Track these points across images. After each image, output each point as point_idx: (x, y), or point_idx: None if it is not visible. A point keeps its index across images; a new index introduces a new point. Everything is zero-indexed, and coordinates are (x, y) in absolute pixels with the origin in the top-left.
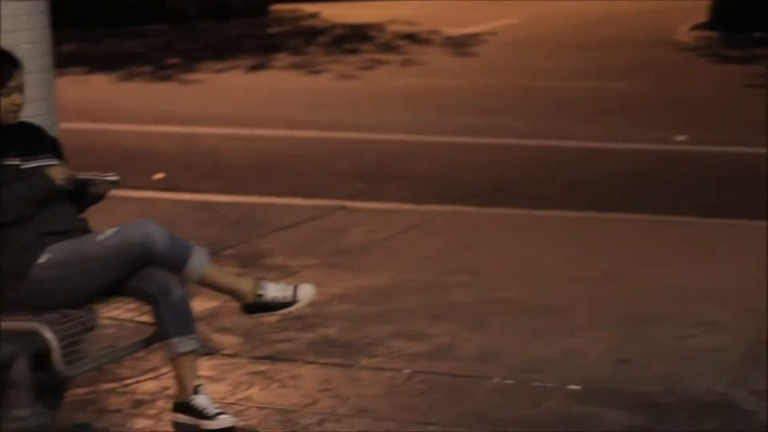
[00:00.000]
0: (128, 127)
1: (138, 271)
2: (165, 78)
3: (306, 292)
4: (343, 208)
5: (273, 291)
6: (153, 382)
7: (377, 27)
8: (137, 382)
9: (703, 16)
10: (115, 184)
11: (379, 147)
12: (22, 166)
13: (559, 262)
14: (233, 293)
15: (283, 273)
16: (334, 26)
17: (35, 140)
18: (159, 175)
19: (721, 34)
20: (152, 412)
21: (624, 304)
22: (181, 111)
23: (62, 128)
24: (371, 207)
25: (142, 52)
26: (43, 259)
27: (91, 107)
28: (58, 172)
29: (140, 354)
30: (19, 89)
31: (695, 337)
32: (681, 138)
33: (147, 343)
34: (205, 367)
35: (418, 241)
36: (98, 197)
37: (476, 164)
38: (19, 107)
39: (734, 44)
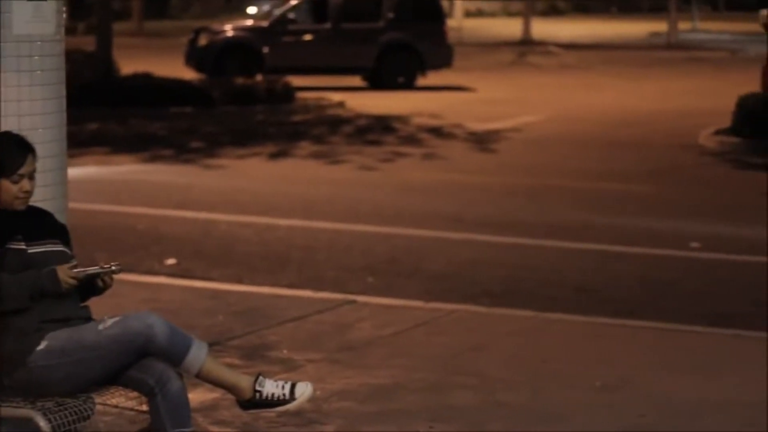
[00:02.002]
0: (145, 210)
1: (137, 362)
2: (187, 161)
3: (303, 390)
4: (352, 302)
5: (270, 387)
6: None
7: (402, 119)
8: None
9: (727, 121)
10: (117, 273)
11: (393, 241)
12: (28, 251)
13: (565, 366)
14: (231, 388)
15: (286, 367)
16: (359, 116)
17: (42, 225)
18: (171, 261)
19: (744, 139)
20: None
21: (627, 413)
22: (200, 196)
23: (80, 208)
24: (380, 302)
25: (167, 134)
26: (42, 345)
27: (111, 189)
28: (67, 277)
29: None
30: (30, 176)
31: None
32: (695, 245)
33: None
34: None
35: (425, 340)
36: (102, 289)
37: (489, 263)
38: (27, 194)
39: (758, 150)
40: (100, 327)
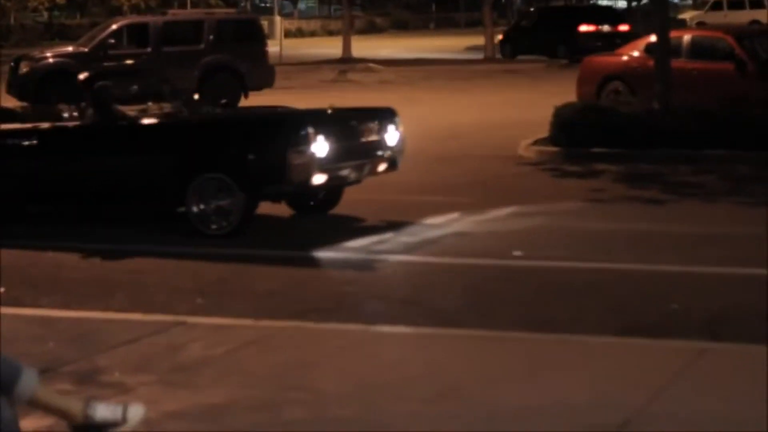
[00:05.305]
0: None
1: None
2: None
3: (135, 412)
4: (183, 323)
5: (103, 411)
6: None
7: None
8: None
9: (545, 131)
10: None
11: (221, 261)
12: None
13: (397, 378)
14: (63, 414)
15: (119, 390)
16: None
17: None
18: None
19: (561, 149)
20: None
21: (461, 422)
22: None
23: None
24: (210, 322)
25: None
26: None
27: None
28: None
29: None
30: None
31: None
32: (518, 253)
33: None
34: None
35: (256, 358)
36: None
37: (317, 279)
38: None
39: (574, 159)
40: None
